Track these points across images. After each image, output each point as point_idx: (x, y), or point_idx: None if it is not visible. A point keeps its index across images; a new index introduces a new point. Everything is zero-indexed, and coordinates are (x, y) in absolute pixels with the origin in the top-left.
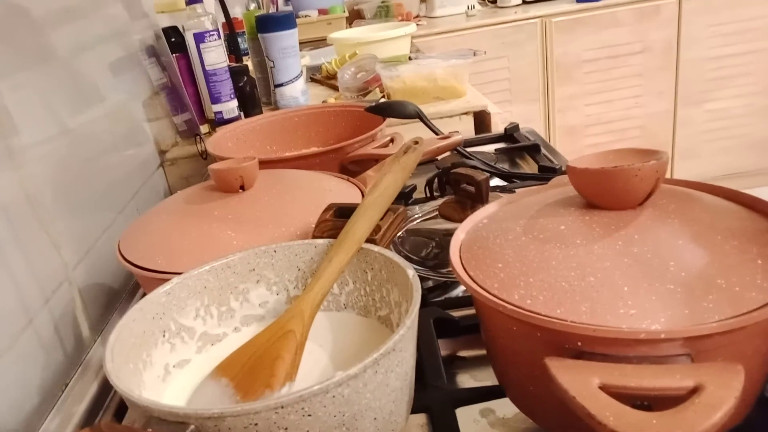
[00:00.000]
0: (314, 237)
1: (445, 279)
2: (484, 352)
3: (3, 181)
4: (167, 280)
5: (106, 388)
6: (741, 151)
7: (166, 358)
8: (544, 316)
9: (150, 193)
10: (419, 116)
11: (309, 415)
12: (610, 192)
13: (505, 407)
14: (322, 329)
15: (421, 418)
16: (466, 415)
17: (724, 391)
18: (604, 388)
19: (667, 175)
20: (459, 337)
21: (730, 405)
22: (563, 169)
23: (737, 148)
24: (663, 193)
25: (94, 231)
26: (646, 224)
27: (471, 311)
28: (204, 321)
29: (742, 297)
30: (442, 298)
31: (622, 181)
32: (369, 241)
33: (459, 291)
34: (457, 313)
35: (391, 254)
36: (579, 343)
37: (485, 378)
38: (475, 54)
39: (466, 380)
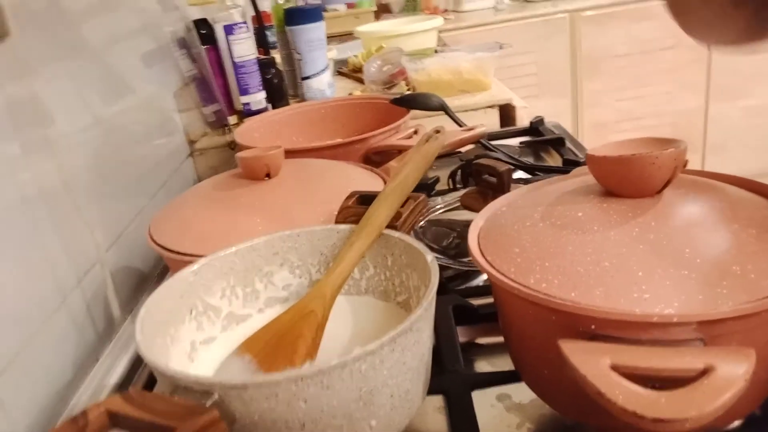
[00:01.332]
0: (337, 223)
1: (465, 268)
2: (501, 339)
3: (41, 167)
4: (195, 262)
5: (135, 364)
6: None
7: (193, 335)
8: (558, 299)
9: (179, 181)
10: (444, 109)
11: (327, 388)
12: (628, 179)
13: (521, 393)
14: (342, 312)
15: (438, 401)
16: (482, 400)
17: (734, 373)
18: (615, 368)
19: None
20: (478, 325)
21: (740, 387)
22: None
23: None
24: (682, 182)
25: (126, 216)
26: (664, 212)
27: (490, 300)
28: (230, 301)
29: (758, 284)
30: (463, 287)
31: (640, 168)
32: (390, 227)
33: (479, 280)
34: (476, 302)
35: (411, 240)
36: (593, 326)
37: (503, 365)
38: (501, 47)
39: (484, 366)
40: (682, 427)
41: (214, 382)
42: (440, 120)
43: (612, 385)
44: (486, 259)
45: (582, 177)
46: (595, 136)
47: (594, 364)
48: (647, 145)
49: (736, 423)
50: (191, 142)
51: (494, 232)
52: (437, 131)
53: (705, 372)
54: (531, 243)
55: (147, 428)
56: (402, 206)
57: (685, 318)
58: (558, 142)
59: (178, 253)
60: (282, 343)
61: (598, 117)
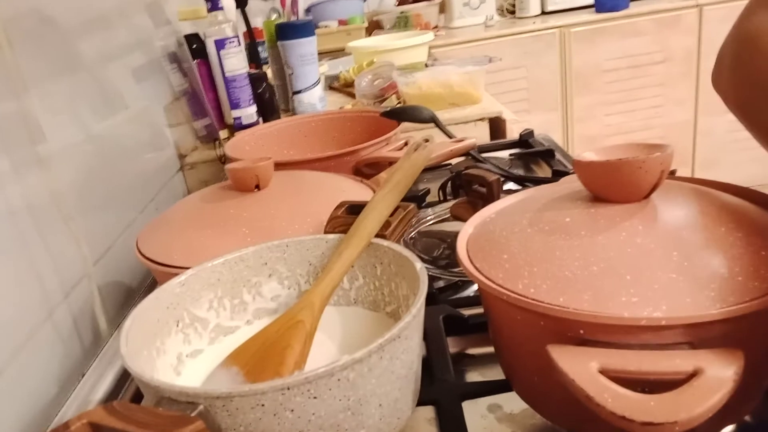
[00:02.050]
0: (326, 233)
1: (456, 279)
2: (492, 349)
3: (31, 182)
4: (182, 273)
5: (121, 379)
6: (765, 162)
7: (180, 348)
8: (546, 303)
9: (169, 195)
10: (434, 121)
11: (314, 398)
12: (615, 184)
13: (512, 403)
14: (331, 323)
15: (428, 412)
16: (473, 411)
17: (723, 375)
18: (603, 372)
19: None
20: (468, 335)
21: (729, 389)
22: None
23: (761, 159)
24: (670, 188)
25: (115, 230)
26: (651, 216)
27: (481, 310)
28: (217, 313)
29: (745, 286)
30: (453, 297)
31: (627, 173)
32: (379, 236)
33: (470, 291)
34: (467, 312)
35: (400, 248)
36: (581, 331)
37: (493, 375)
38: (490, 60)
39: (475, 377)
40: (671, 430)
41: (198, 393)
42: (431, 132)
43: (601, 389)
44: (474, 266)
45: (570, 184)
46: (585, 150)
47: (582, 368)
48: (633, 151)
49: (728, 429)
50: (182, 157)
51: (483, 239)
52: (426, 140)
53: (694, 374)
54: (519, 249)
55: None
56: (391, 215)
57: (674, 321)
58: (548, 154)
59: (166, 265)
60: (269, 354)
61: (588, 131)
